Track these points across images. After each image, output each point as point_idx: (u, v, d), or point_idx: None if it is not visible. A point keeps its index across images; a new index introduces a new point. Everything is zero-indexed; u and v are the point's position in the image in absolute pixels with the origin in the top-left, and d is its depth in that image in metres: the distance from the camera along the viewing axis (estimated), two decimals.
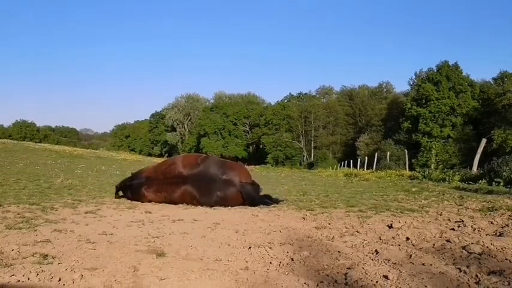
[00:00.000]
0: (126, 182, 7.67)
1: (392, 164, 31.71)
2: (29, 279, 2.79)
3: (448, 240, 4.13)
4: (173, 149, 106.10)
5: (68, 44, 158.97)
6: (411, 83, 73.84)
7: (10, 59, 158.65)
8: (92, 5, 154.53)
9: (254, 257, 3.60)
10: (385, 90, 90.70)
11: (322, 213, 6.19)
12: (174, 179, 7.05)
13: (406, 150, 31.18)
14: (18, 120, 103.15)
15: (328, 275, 3.10)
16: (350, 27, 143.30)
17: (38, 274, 2.86)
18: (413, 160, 49.15)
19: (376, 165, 30.80)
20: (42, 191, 7.95)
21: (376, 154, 33.90)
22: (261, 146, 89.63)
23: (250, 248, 3.89)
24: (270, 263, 3.43)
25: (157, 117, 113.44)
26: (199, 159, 7.29)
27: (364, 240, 4.27)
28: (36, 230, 4.33)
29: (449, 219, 5.49)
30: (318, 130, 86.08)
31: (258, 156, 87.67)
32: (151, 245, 3.95)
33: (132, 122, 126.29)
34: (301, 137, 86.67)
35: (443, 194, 8.86)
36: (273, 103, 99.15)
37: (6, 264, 3.06)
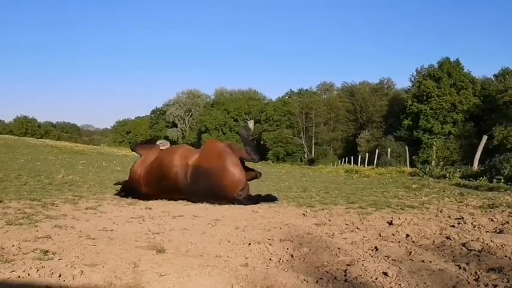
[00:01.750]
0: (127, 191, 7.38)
1: (393, 161, 31.75)
2: (29, 275, 2.79)
3: (448, 237, 4.13)
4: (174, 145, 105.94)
5: (69, 39, 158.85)
6: (412, 79, 73.67)
7: (11, 55, 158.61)
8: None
9: (254, 253, 3.61)
10: (386, 86, 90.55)
11: (323, 209, 6.20)
12: (170, 191, 6.91)
13: (406, 147, 31.13)
14: (19, 116, 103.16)
15: (327, 272, 3.11)
16: (351, 23, 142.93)
17: (38, 270, 2.87)
18: (414, 157, 49.20)
19: (376, 161, 30.80)
20: (43, 187, 7.97)
21: (376, 151, 33.92)
22: (261, 142, 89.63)
23: (250, 244, 3.90)
24: (270, 259, 3.44)
25: (158, 113, 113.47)
26: (189, 172, 6.81)
27: (364, 237, 4.27)
28: (36, 226, 4.34)
29: (449, 216, 5.50)
30: (318, 126, 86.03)
31: (258, 153, 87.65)
32: (151, 241, 3.96)
33: (133, 118, 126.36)
34: (302, 133, 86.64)
35: (443, 191, 8.87)
36: (273, 99, 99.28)
37: (6, 260, 3.08)
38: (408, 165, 25.54)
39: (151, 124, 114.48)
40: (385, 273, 3.01)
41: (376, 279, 2.94)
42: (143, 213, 5.54)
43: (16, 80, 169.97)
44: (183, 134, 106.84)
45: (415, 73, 73.42)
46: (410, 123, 65.45)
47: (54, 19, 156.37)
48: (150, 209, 6.02)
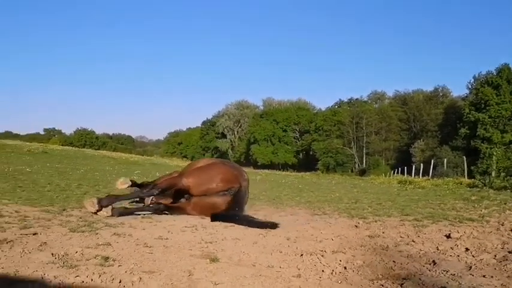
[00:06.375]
0: None
1: (449, 171, 30.62)
2: (92, 280, 2.94)
3: (510, 252, 3.95)
4: (224, 156, 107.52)
5: (124, 55, 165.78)
6: (469, 86, 70.98)
7: (73, 73, 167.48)
8: (146, 15, 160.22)
9: (306, 264, 3.60)
10: (441, 94, 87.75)
11: (376, 221, 6.07)
12: None
13: (464, 157, 29.91)
14: (79, 128, 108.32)
15: (382, 285, 3.05)
16: (404, 28, 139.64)
17: (100, 276, 3.01)
18: (472, 167, 47.04)
19: (432, 172, 29.77)
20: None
21: (432, 161, 32.79)
22: (311, 153, 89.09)
23: (302, 255, 3.89)
24: (323, 271, 3.41)
25: (209, 125, 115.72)
26: None
27: (421, 250, 4.15)
28: (97, 234, 4.54)
29: (511, 230, 5.23)
30: (370, 136, 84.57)
31: (308, 163, 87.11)
32: (204, 250, 4.04)
33: (184, 130, 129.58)
34: (353, 143, 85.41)
35: (505, 203, 8.43)
36: (323, 109, 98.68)
37: (71, 265, 3.24)
38: (466, 176, 24.52)
39: (202, 135, 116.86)
40: None
41: None
42: (196, 223, 5.65)
43: (76, 95, 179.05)
44: (232, 144, 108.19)
45: (472, 80, 70.79)
46: (468, 132, 62.85)
47: (107, 37, 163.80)
48: (203, 218, 6.13)
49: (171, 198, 6.35)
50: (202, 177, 6.15)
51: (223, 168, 6.34)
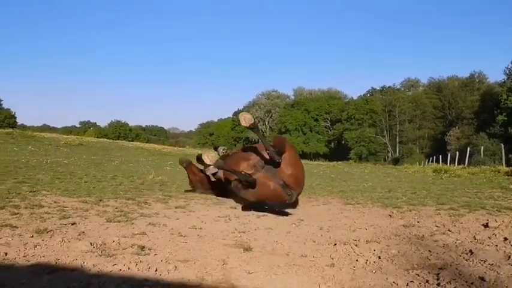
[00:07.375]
0: None
1: (486, 160, 29.72)
2: (129, 268, 3.02)
3: None
4: None
5: (154, 47, 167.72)
6: (507, 72, 68.30)
7: (107, 66, 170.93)
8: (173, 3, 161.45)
9: (340, 254, 3.59)
10: (477, 80, 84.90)
11: (410, 210, 5.97)
12: None
13: (502, 145, 28.93)
14: (113, 121, 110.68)
15: (418, 275, 3.00)
16: (436, 12, 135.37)
17: (137, 264, 3.09)
18: (510, 155, 45.54)
19: (468, 160, 28.97)
20: (136, 187, 8.47)
21: (468, 149, 31.86)
22: (343, 142, 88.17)
23: (335, 244, 3.88)
24: (356, 260, 3.39)
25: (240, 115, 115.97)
26: None
27: (457, 239, 4.06)
28: (133, 223, 4.65)
29: None
30: (403, 124, 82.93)
31: (340, 152, 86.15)
32: (238, 239, 4.08)
33: (215, 120, 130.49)
34: (385, 131, 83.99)
35: None
36: (355, 97, 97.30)
37: (108, 254, 3.34)
38: (504, 164, 23.74)
39: (233, 126, 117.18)
40: (482, 278, 2.85)
41: (471, 283, 2.79)
42: (229, 213, 5.71)
43: (110, 88, 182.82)
44: (263, 135, 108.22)
45: (510, 65, 68.09)
46: (506, 119, 60.62)
47: (134, 24, 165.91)
48: (235, 208, 6.18)
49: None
50: (290, 161, 5.98)
51: (302, 171, 6.23)
